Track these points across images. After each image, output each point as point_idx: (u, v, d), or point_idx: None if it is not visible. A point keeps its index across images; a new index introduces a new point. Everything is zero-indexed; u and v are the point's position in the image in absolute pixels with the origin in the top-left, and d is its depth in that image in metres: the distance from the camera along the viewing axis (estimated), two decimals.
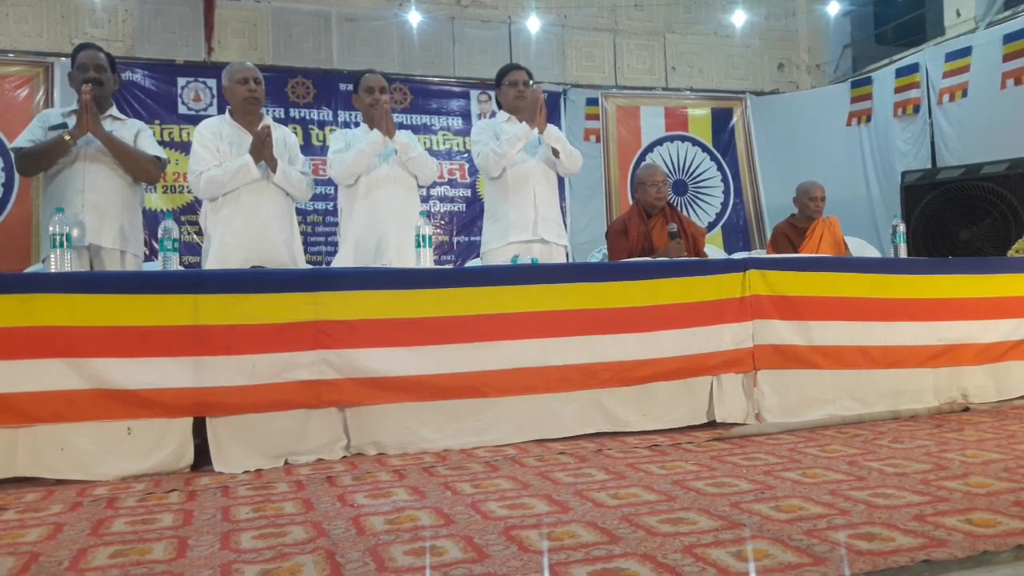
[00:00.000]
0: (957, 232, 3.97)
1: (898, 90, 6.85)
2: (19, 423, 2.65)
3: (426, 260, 3.32)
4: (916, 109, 6.69)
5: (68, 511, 2.29)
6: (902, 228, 4.11)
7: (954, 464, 2.52)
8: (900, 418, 3.49)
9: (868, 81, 7.22)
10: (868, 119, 7.15)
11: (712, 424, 3.38)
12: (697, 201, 7.52)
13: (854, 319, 3.55)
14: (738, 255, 5.15)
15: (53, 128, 3.54)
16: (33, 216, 5.64)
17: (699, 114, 7.65)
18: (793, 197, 5.00)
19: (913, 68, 6.78)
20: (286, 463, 2.88)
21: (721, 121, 7.69)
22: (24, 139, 3.54)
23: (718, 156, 7.63)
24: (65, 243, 2.97)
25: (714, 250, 5.41)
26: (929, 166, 6.30)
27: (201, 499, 2.39)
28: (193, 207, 5.93)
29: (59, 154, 3.48)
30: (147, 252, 4.17)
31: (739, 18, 7.64)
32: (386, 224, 3.74)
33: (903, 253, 4.06)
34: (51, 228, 2.97)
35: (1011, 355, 3.79)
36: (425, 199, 6.49)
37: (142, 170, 3.67)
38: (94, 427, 2.72)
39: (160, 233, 3.18)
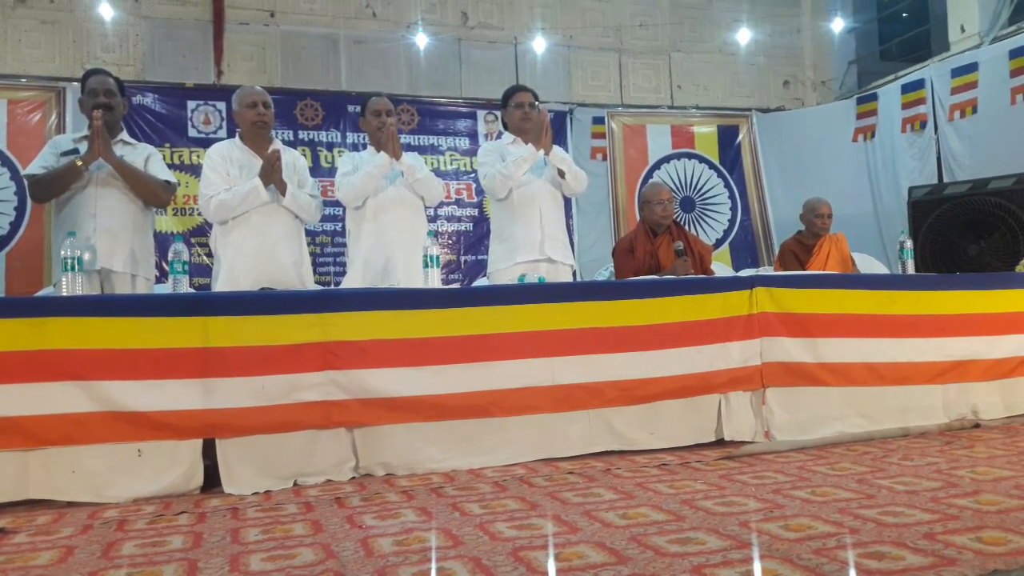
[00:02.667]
0: (965, 247, 3.96)
1: (905, 106, 6.86)
2: (30, 446, 2.68)
3: (434, 280, 3.33)
4: (923, 125, 6.70)
5: (79, 534, 2.30)
6: (909, 244, 4.10)
7: (964, 481, 2.51)
8: (909, 435, 3.48)
9: (874, 97, 7.23)
10: (873, 135, 7.16)
11: (721, 442, 3.37)
12: (704, 218, 7.53)
13: (862, 336, 3.55)
14: (746, 272, 5.15)
15: (65, 154, 3.59)
16: (45, 240, 5.69)
17: (705, 131, 7.67)
18: (800, 214, 5.01)
19: (919, 84, 6.79)
20: (295, 484, 2.89)
21: (727, 138, 7.71)
22: (37, 165, 3.59)
23: (725, 173, 7.64)
24: (76, 267, 3.00)
25: (722, 267, 5.41)
26: (935, 182, 6.30)
27: (211, 521, 2.40)
28: (203, 229, 5.96)
29: (71, 180, 3.53)
30: (158, 275, 4.21)
31: (744, 36, 7.68)
32: (394, 245, 3.76)
33: (910, 269, 4.06)
34: (63, 252, 3.01)
35: (1020, 371, 3.78)
36: (432, 219, 6.51)
37: (152, 194, 3.71)
38: (105, 449, 2.74)
39: (170, 256, 3.21)
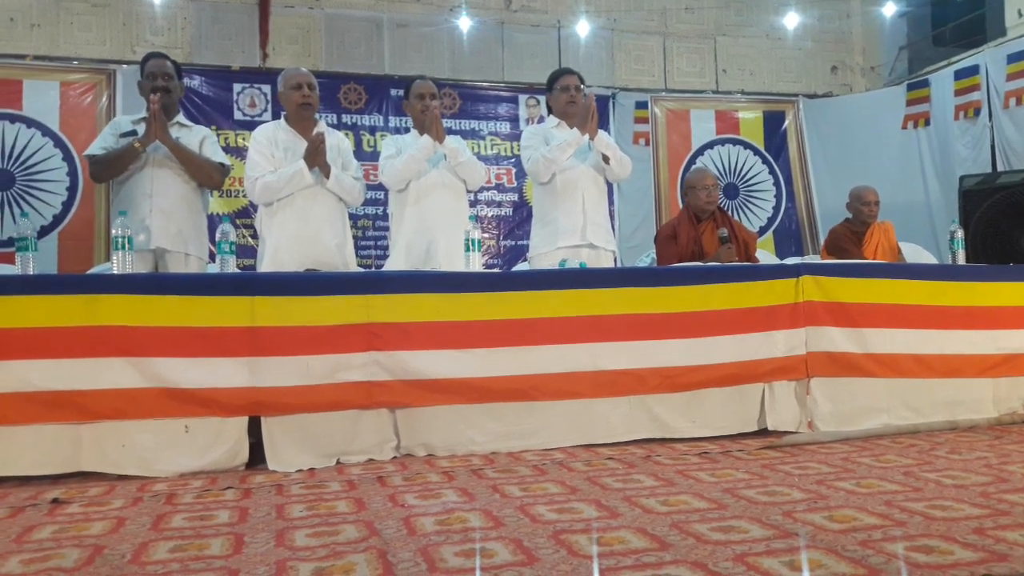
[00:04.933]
0: (1018, 238, 3.85)
1: (958, 92, 6.68)
2: (83, 419, 2.75)
3: (475, 264, 3.34)
4: (977, 112, 6.51)
5: (130, 506, 2.36)
6: (960, 234, 4.01)
7: (1015, 476, 2.45)
8: (958, 428, 3.41)
9: (925, 83, 7.05)
10: (926, 122, 6.99)
11: (763, 432, 3.34)
12: (748, 205, 7.42)
13: (910, 327, 3.48)
14: (790, 260, 5.07)
15: (123, 135, 3.67)
16: (96, 219, 5.82)
17: (750, 117, 7.56)
18: (846, 202, 4.92)
19: (973, 70, 6.60)
20: (338, 462, 2.93)
21: (773, 124, 7.59)
22: (97, 146, 3.67)
23: (770, 160, 7.52)
24: (127, 246, 3.06)
25: (765, 255, 5.33)
26: (989, 171, 6.13)
27: (256, 497, 2.45)
28: (248, 211, 6.05)
29: (130, 160, 3.60)
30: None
31: (792, 20, 7.53)
32: (436, 228, 3.77)
33: (961, 259, 3.96)
34: (114, 231, 3.07)
35: None
36: (473, 203, 6.51)
37: (207, 176, 3.77)
38: (154, 424, 2.80)
39: (218, 236, 3.26)
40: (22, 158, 5.79)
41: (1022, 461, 2.68)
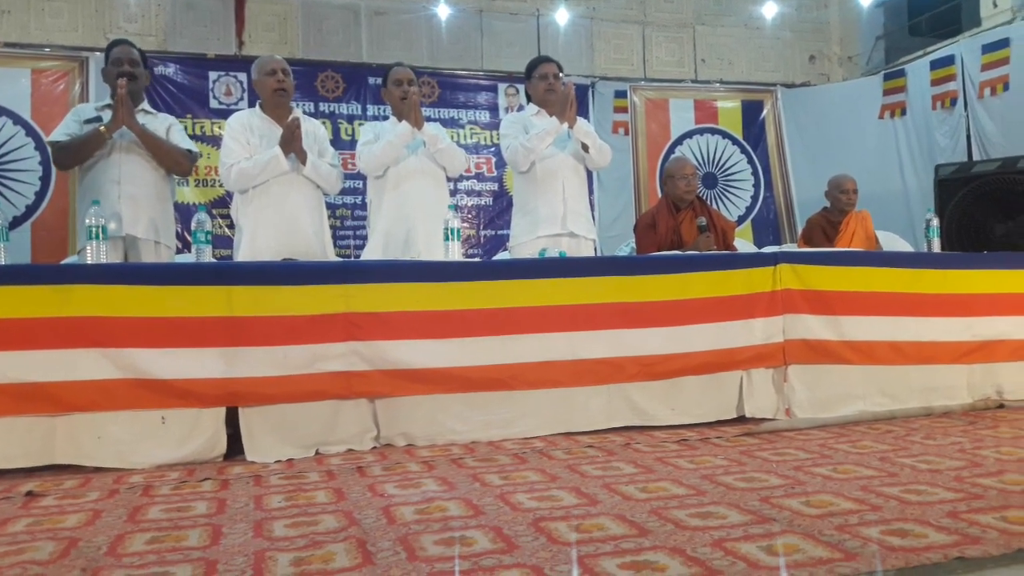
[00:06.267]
0: (992, 227, 3.91)
1: (935, 83, 6.73)
2: (56, 411, 2.71)
3: (455, 253, 3.33)
4: (953, 102, 6.57)
5: (105, 498, 2.33)
6: (935, 222, 4.05)
7: (988, 461, 2.49)
8: (933, 414, 3.46)
9: (902, 73, 7.10)
10: (903, 112, 7.04)
11: (741, 419, 3.36)
12: (727, 194, 7.46)
13: (886, 314, 3.51)
14: (768, 249, 5.10)
15: (88, 122, 3.61)
16: (69, 209, 5.73)
17: (729, 107, 7.58)
18: (825, 191, 4.95)
19: (948, 60, 6.65)
20: (317, 453, 2.91)
21: (751, 114, 7.62)
22: (60, 133, 3.61)
23: (748, 149, 7.55)
24: (101, 235, 3.02)
25: (744, 244, 5.36)
26: (966, 160, 6.19)
27: (234, 488, 2.43)
28: (225, 200, 5.98)
29: (95, 147, 3.55)
30: (179, 245, 4.23)
31: (770, 10, 7.54)
32: (415, 216, 3.75)
33: (936, 248, 4.00)
34: (87, 220, 3.03)
35: None
36: (452, 193, 6.49)
37: (175, 163, 3.73)
38: (129, 416, 2.77)
39: (193, 226, 3.23)
40: None
41: (995, 446, 2.72)
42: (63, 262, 4.43)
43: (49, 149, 3.73)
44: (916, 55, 7.20)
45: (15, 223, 5.56)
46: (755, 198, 7.50)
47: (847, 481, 2.28)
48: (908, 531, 1.78)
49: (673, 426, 3.24)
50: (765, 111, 7.65)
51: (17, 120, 5.77)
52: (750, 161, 7.54)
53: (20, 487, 2.46)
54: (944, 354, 3.58)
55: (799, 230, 5.61)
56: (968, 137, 6.46)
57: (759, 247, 6.03)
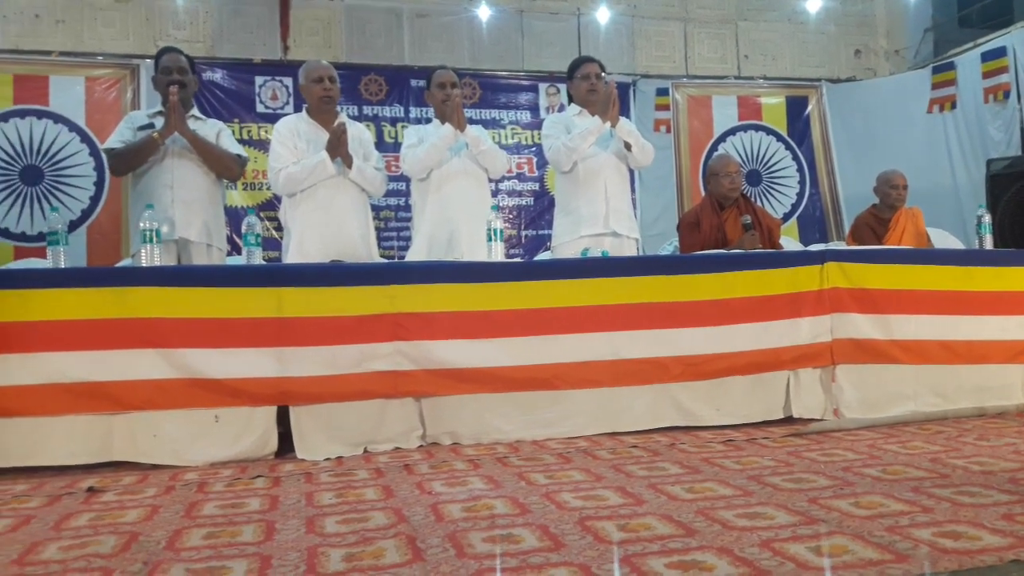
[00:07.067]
0: None
1: (986, 75, 6.57)
2: (115, 410, 2.80)
3: (497, 253, 3.36)
4: (1006, 95, 6.41)
5: (162, 494, 2.40)
6: (987, 218, 3.96)
7: None
8: (986, 415, 3.38)
9: (951, 66, 6.94)
10: (953, 105, 6.89)
11: (788, 420, 3.33)
12: (771, 192, 7.37)
13: (937, 312, 3.45)
14: (815, 247, 5.04)
15: (141, 128, 3.72)
16: (122, 214, 5.88)
17: (773, 103, 7.48)
18: (873, 187, 4.87)
19: (1001, 52, 6.49)
20: (365, 451, 2.96)
21: (796, 110, 7.51)
22: (115, 140, 3.72)
23: (793, 146, 7.45)
24: (155, 238, 3.10)
25: (789, 242, 5.30)
26: (1020, 154, 6.04)
27: (286, 485, 2.49)
28: (272, 204, 6.09)
29: (149, 153, 3.65)
30: (229, 248, 4.33)
31: (814, 4, 7.43)
32: (458, 217, 3.79)
33: (989, 244, 3.91)
34: (142, 224, 3.11)
35: None
36: (494, 193, 6.51)
37: (225, 167, 3.82)
38: (184, 415, 2.85)
39: (244, 228, 3.30)
40: (50, 153, 5.87)
41: None
42: (117, 265, 4.56)
43: (104, 156, 3.84)
44: (967, 47, 7.03)
45: (71, 227, 5.72)
46: (800, 195, 7.40)
47: (897, 482, 2.25)
48: (961, 533, 1.76)
49: (719, 427, 3.23)
50: (810, 107, 7.54)
51: (72, 127, 5.94)
52: (795, 158, 7.44)
53: (81, 483, 2.55)
54: (998, 353, 3.50)
55: (846, 227, 5.54)
56: (1022, 130, 6.30)
57: (805, 245, 5.96)
